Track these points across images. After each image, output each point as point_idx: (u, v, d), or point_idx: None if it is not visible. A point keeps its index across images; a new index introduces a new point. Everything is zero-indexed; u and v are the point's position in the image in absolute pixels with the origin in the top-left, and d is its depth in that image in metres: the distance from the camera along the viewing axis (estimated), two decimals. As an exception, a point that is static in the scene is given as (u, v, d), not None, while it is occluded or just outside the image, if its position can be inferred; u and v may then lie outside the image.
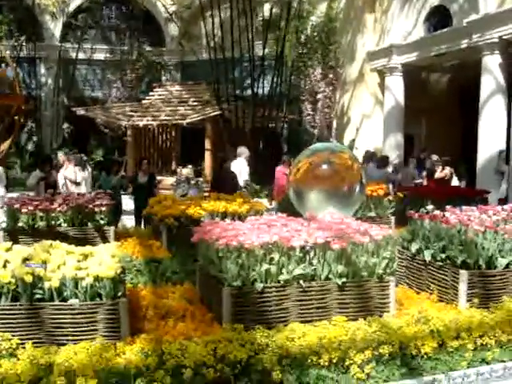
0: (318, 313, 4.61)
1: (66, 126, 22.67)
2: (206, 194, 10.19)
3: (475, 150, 13.99)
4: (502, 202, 11.06)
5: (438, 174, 12.71)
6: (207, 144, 18.64)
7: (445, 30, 15.06)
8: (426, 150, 16.16)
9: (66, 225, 7.56)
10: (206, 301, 5.01)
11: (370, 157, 12.77)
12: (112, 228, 7.79)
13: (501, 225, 5.61)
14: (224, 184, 10.00)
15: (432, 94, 18.53)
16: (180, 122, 18.52)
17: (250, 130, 18.30)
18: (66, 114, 22.43)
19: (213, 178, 12.02)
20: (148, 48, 23.23)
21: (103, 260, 4.35)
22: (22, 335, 4.05)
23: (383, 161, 12.04)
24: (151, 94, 21.10)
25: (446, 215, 5.90)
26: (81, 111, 19.92)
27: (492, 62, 13.41)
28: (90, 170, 11.72)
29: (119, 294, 4.20)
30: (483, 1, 13.53)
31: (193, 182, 12.80)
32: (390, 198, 8.87)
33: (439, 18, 15.66)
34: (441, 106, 17.94)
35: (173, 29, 23.64)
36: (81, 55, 23.15)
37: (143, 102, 20.83)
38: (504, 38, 12.89)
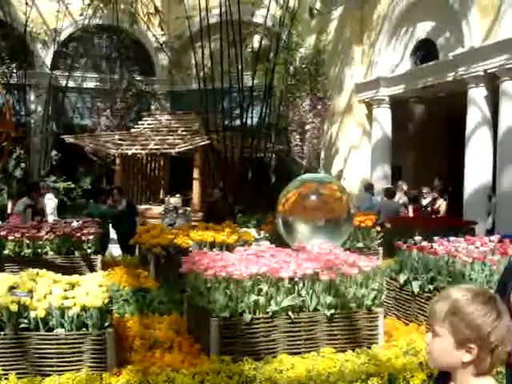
0: (307, 344, 4.59)
1: (54, 153, 22.59)
2: (195, 223, 10.16)
3: (461, 180, 14.14)
4: (489, 233, 11.16)
5: (428, 204, 12.88)
6: (195, 173, 18.64)
7: (431, 63, 15.32)
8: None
9: (52, 253, 7.53)
10: (193, 332, 4.97)
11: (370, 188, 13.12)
12: (99, 257, 7.76)
13: (488, 256, 5.63)
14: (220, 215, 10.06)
15: (419, 125, 18.80)
16: (169, 151, 18.55)
17: (238, 160, 18.37)
18: (55, 142, 22.36)
19: (207, 208, 12.05)
20: (138, 77, 23.36)
21: (90, 289, 4.29)
22: (6, 365, 3.96)
23: (390, 191, 12.25)
24: (140, 122, 21.15)
25: (433, 246, 5.93)
26: (70, 139, 19.89)
27: (477, 95, 13.62)
28: (52, 197, 11.64)
29: (106, 324, 4.14)
30: (468, 35, 13.81)
31: (181, 211, 12.78)
32: (378, 228, 8.88)
33: (426, 52, 15.96)
34: (428, 137, 18.17)
35: (163, 58, 23.86)
36: (71, 83, 23.22)
37: (132, 130, 20.87)
38: (489, 71, 13.14)
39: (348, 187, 14.23)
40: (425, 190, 13.83)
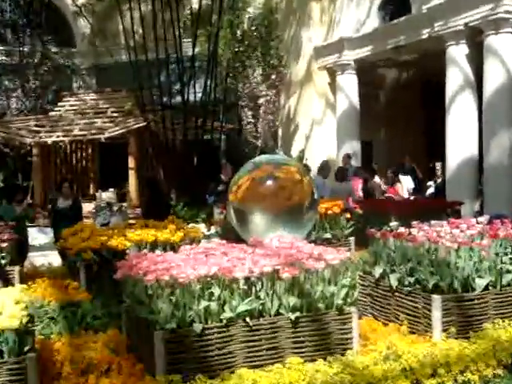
0: (270, 355, 4.62)
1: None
2: (132, 221, 10.13)
3: (443, 155, 14.40)
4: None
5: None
6: (131, 162, 18.46)
7: (402, 18, 15.44)
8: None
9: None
10: (135, 349, 4.94)
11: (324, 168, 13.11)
12: (16, 268, 7.60)
13: (476, 240, 5.72)
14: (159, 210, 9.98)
15: (391, 93, 19.07)
16: (97, 137, 18.32)
17: (181, 144, 18.26)
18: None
19: (145, 202, 11.95)
20: (54, 49, 22.90)
21: (4, 307, 4.17)
22: None
23: (340, 172, 12.39)
24: (61, 104, 20.80)
25: (412, 232, 6.01)
26: (-30, 128, 19.43)
27: (458, 53, 13.71)
28: None
29: (26, 348, 4.06)
30: (445, -17, 13.83)
31: (115, 207, 12.75)
32: (348, 215, 8.99)
33: (396, 5, 16.10)
34: (402, 107, 18.45)
35: (84, 26, 23.40)
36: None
37: (51, 114, 20.51)
38: (470, 25, 13.19)
39: (311, 169, 14.46)
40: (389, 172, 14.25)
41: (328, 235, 8.70)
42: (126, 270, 4.99)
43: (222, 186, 13.22)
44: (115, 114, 19.50)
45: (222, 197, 11.10)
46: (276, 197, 7.26)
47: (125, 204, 16.21)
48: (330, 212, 8.76)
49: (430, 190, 15.88)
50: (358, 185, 13.65)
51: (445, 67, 14.02)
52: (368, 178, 13.90)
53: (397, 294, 5.65)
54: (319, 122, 18.46)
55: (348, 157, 15.76)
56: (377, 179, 14.43)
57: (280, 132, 19.09)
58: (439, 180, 15.49)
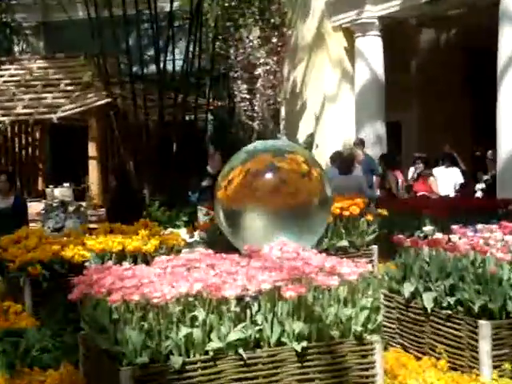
0: (269, 397, 4.60)
1: None
2: (94, 225, 10.18)
3: (493, 140, 14.37)
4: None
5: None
6: (92, 150, 18.52)
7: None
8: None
9: None
10: (95, 390, 4.91)
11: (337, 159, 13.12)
12: None
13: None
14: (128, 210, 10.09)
15: (426, 60, 19.03)
16: (47, 117, 18.33)
17: (156, 127, 18.25)
18: None
19: (110, 200, 11.96)
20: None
21: None
22: None
23: (346, 162, 12.35)
24: (-1, 73, 20.80)
25: (452, 239, 5.98)
26: None
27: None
28: None
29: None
30: None
31: (72, 207, 12.86)
32: (369, 217, 8.97)
33: None
34: (439, 78, 18.43)
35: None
36: None
37: (-15, 86, 20.50)
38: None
39: (322, 159, 14.38)
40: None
41: (344, 243, 8.65)
42: (84, 289, 4.89)
43: (207, 180, 13.24)
44: (70, 88, 19.49)
45: (208, 194, 11.13)
46: (277, 194, 7.21)
47: (84, 203, 16.20)
48: (346, 213, 8.70)
49: (481, 186, 15.84)
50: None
51: (496, 27, 13.89)
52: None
53: (433, 318, 5.60)
54: (333, 98, 18.36)
55: (360, 142, 15.72)
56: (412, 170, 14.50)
57: (283, 111, 19.11)
58: (491, 172, 15.45)
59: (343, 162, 12.48)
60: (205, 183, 13.42)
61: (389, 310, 5.99)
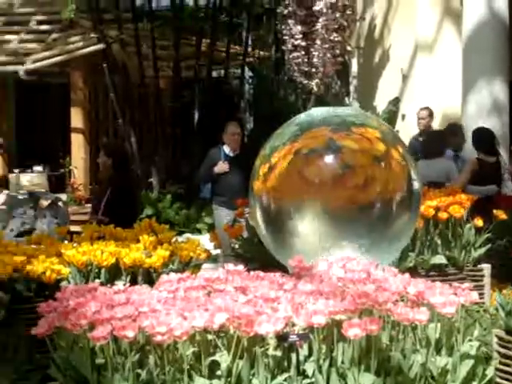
0: None
1: None
2: (76, 227, 9.33)
3: None
4: None
5: None
6: (76, 119, 16.80)
7: None
8: None
9: None
10: None
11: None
12: None
13: None
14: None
15: None
16: (12, 69, 16.50)
17: (170, 86, 16.92)
18: None
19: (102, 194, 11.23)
20: None
21: None
22: None
23: (433, 143, 11.16)
24: None
25: None
26: None
27: None
28: None
29: None
30: None
31: (46, 202, 12.09)
32: (479, 222, 7.60)
33: None
34: None
35: None
36: None
37: None
38: None
39: (411, 135, 12.85)
40: None
41: (440, 259, 7.41)
42: (56, 320, 4.45)
43: (221, 164, 11.52)
44: (45, 27, 17.56)
45: (225, 184, 10.67)
46: (340, 186, 6.27)
47: (63, 196, 14.81)
48: (444, 215, 7.42)
49: None
50: None
51: None
52: None
53: None
54: (429, 48, 15.87)
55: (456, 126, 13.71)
56: None
57: (354, 65, 17.12)
58: None
59: (431, 142, 11.37)
60: (217, 169, 11.65)
61: (505, 360, 5.00)
